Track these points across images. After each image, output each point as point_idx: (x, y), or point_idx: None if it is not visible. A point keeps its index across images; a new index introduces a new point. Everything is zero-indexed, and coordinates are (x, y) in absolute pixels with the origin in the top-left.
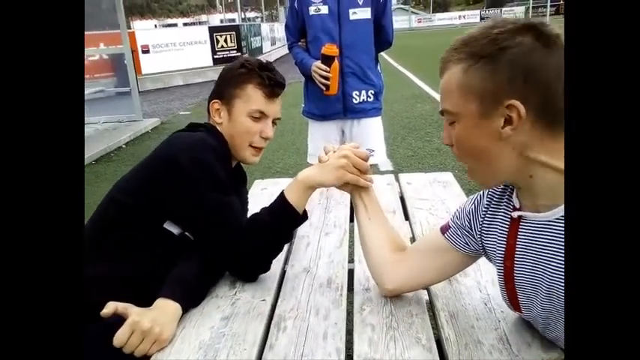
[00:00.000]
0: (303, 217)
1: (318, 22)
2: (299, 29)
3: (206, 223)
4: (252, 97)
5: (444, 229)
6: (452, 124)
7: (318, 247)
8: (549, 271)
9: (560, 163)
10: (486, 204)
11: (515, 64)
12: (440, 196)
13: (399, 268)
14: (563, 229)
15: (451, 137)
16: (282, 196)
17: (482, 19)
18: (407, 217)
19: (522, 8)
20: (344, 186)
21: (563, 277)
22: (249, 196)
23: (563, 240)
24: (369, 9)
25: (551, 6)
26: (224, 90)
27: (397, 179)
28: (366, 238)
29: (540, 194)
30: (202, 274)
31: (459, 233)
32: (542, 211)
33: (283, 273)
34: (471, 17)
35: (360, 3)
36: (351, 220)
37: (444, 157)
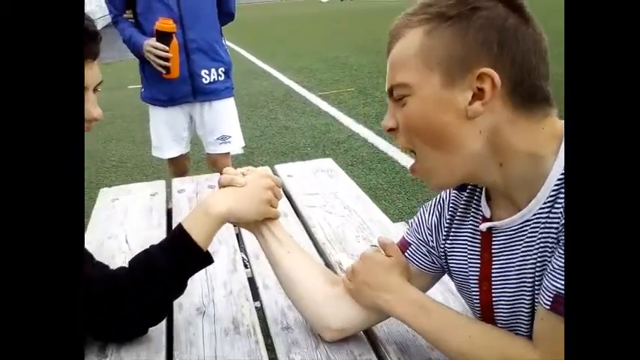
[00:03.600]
0: (208, 258)
1: None
2: None
3: None
4: None
5: (402, 247)
6: (400, 100)
7: (206, 274)
8: (534, 279)
9: (535, 147)
10: (449, 216)
11: (491, 26)
12: (330, 189)
13: (346, 303)
14: (542, 225)
15: (396, 119)
16: (182, 231)
17: None
18: (300, 219)
19: None
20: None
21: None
22: (96, 210)
23: (544, 238)
24: None
25: None
26: None
27: (274, 172)
28: (292, 275)
29: (513, 186)
30: None
31: (424, 251)
32: (517, 213)
33: (170, 319)
34: None
35: None
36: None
37: (292, 135)
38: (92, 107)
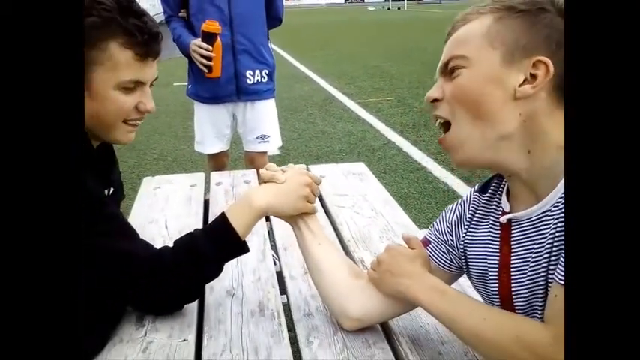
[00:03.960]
0: (245, 247)
1: None
2: None
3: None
4: (120, 61)
5: (423, 245)
6: (454, 72)
7: (237, 261)
8: (548, 265)
9: (563, 141)
10: (469, 215)
11: (553, 28)
12: (360, 191)
13: (367, 294)
14: (559, 214)
15: (443, 91)
16: (225, 221)
17: (346, 0)
18: (328, 217)
19: None
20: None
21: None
22: (139, 196)
23: (560, 225)
24: None
25: None
26: None
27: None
28: (320, 265)
29: (536, 176)
30: None
31: (443, 249)
32: (536, 204)
33: (202, 299)
34: None
35: None
36: (267, 219)
37: (329, 139)
38: (147, 100)
